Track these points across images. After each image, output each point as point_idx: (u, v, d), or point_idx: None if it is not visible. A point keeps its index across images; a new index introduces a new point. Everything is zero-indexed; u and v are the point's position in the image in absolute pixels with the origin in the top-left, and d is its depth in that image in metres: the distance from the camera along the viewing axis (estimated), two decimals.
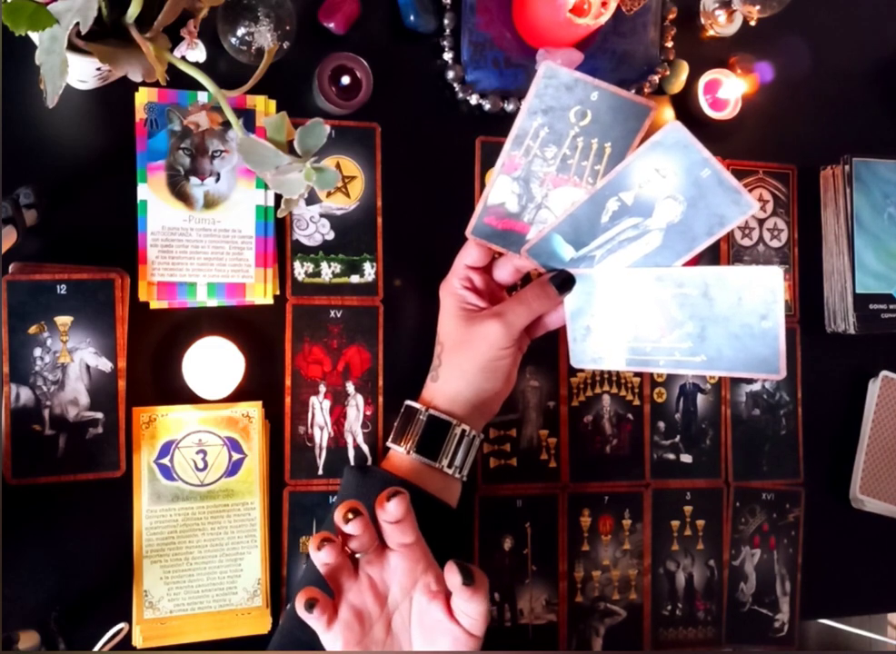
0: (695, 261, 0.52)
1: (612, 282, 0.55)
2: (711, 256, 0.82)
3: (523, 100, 0.52)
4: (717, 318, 0.51)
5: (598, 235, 0.53)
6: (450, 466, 0.62)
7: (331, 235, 0.71)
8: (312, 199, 0.71)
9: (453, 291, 0.63)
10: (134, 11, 0.51)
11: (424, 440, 0.62)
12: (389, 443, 0.64)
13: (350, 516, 0.49)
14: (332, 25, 0.71)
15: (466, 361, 0.61)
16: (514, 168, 0.53)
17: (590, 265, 0.55)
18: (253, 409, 0.68)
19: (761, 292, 0.50)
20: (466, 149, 0.76)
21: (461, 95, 0.75)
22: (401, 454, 0.63)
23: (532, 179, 0.53)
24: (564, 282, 0.59)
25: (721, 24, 0.82)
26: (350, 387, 0.71)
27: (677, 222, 0.50)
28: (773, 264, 0.84)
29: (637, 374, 0.78)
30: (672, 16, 0.79)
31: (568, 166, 0.52)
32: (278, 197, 0.62)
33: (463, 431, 0.62)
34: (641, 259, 0.53)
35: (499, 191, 0.54)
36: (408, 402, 0.65)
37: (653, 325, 0.54)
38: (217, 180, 0.67)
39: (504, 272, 0.64)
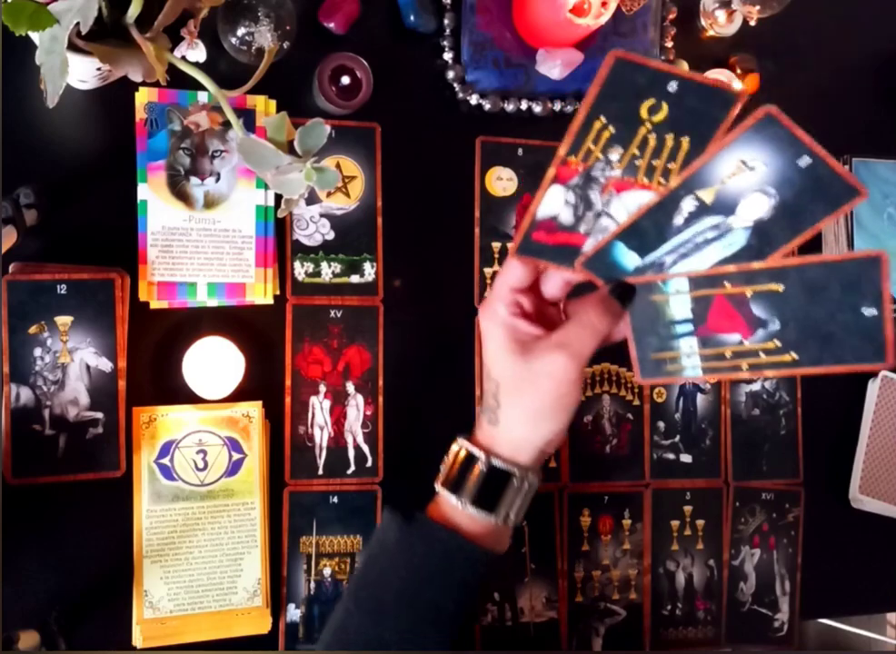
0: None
1: (681, 286, 0.48)
2: None
3: (583, 98, 0.46)
4: (807, 312, 0.46)
5: (669, 239, 0.47)
6: (506, 519, 0.54)
7: (331, 235, 0.71)
8: (312, 199, 0.71)
9: (502, 320, 0.53)
10: (134, 11, 0.51)
11: (483, 492, 0.54)
12: (438, 488, 0.56)
13: None
14: (332, 25, 0.71)
15: (531, 402, 0.52)
16: (571, 176, 0.47)
17: (658, 272, 0.48)
18: (254, 409, 0.68)
19: (861, 279, 0.44)
20: (466, 149, 0.76)
21: (461, 95, 0.75)
22: (453, 504, 0.54)
23: (591, 186, 0.47)
24: (625, 292, 0.51)
25: (721, 24, 0.82)
26: (350, 387, 0.71)
27: (767, 218, 0.44)
28: None
29: None
30: (672, 16, 0.79)
31: (636, 167, 0.45)
32: (278, 197, 0.62)
33: (526, 481, 0.54)
34: (721, 262, 0.47)
35: (551, 203, 0.47)
36: (467, 446, 0.55)
37: (732, 328, 0.48)
38: (217, 180, 0.67)
39: (553, 287, 0.54)
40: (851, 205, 0.44)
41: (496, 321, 0.54)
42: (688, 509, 0.80)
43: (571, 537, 0.76)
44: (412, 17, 0.73)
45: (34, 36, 0.51)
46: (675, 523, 0.79)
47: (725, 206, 0.45)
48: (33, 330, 0.62)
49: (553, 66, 0.73)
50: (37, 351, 0.62)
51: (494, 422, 0.54)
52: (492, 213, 0.76)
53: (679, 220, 0.46)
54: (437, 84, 0.75)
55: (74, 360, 0.63)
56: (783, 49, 0.84)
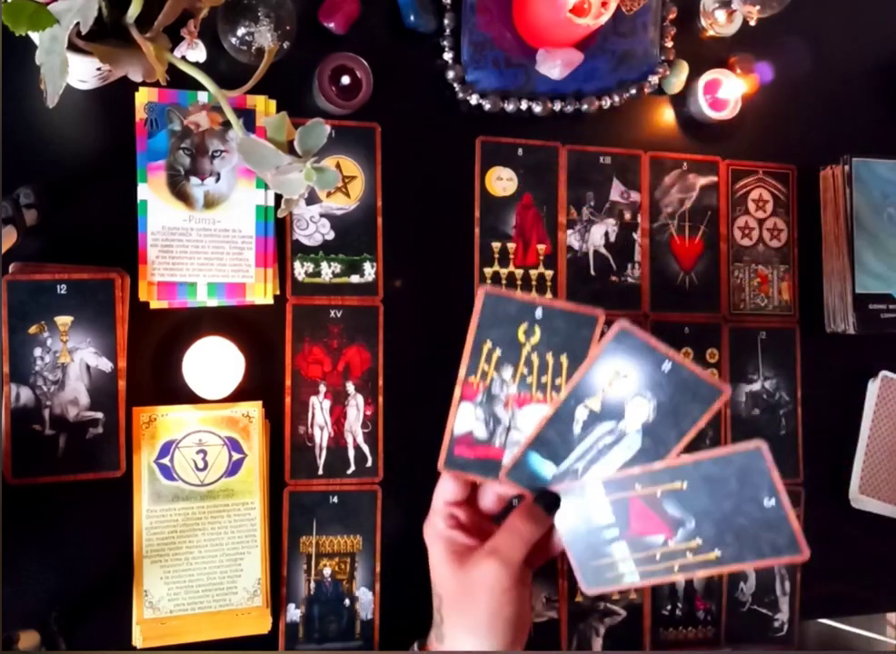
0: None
1: (598, 492, 0.51)
2: (711, 259, 0.82)
3: (469, 327, 0.50)
4: (717, 508, 0.48)
5: (575, 446, 0.50)
6: None
7: (331, 235, 0.71)
8: (312, 199, 0.71)
9: (439, 533, 0.55)
10: (134, 11, 0.51)
11: None
12: None
13: None
14: (332, 25, 0.71)
15: (471, 614, 0.53)
16: (474, 394, 0.51)
17: (574, 479, 0.51)
18: (254, 409, 0.68)
19: (751, 471, 0.46)
20: (466, 149, 0.76)
21: (461, 95, 0.74)
22: None
23: (494, 402, 0.51)
24: (550, 501, 0.53)
25: (721, 24, 0.82)
26: (350, 387, 0.71)
27: (651, 420, 0.48)
28: (773, 264, 0.84)
29: None
30: (672, 16, 0.79)
31: (528, 384, 0.50)
32: (278, 197, 0.62)
33: None
34: (626, 464, 0.49)
35: (463, 420, 0.52)
36: None
37: (654, 530, 0.50)
38: (217, 180, 0.67)
39: (488, 501, 0.57)
40: (719, 403, 0.47)
41: (435, 534, 0.55)
42: None
43: None
44: (412, 17, 0.73)
45: (34, 36, 0.51)
46: None
47: (614, 412, 0.49)
48: (33, 330, 0.62)
49: (553, 66, 0.73)
50: (37, 351, 0.62)
51: (441, 639, 0.55)
52: (492, 213, 0.76)
53: (577, 428, 0.50)
54: (437, 84, 0.75)
55: (74, 360, 0.63)
56: (783, 49, 0.84)
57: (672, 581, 0.52)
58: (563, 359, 0.49)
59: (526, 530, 0.53)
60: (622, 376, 0.48)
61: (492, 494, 0.56)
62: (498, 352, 0.50)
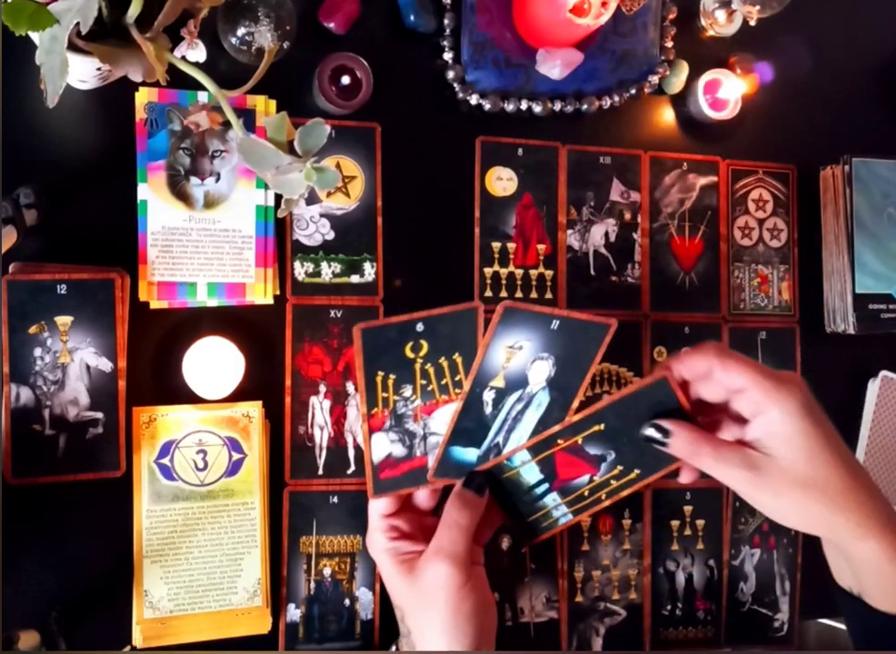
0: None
1: (523, 458, 0.54)
2: (711, 259, 0.82)
3: (356, 366, 0.52)
4: (631, 436, 0.52)
5: (490, 426, 0.53)
6: None
7: (331, 235, 0.71)
8: (312, 199, 0.71)
9: (383, 547, 0.55)
10: (134, 11, 0.51)
11: None
12: None
13: None
14: (332, 25, 0.71)
15: (434, 618, 0.52)
16: (382, 423, 0.53)
17: (498, 453, 0.54)
18: (254, 409, 0.68)
19: (660, 397, 0.51)
20: (466, 149, 0.76)
21: (461, 95, 0.74)
22: None
23: (403, 421, 0.53)
24: (477, 481, 0.54)
25: (721, 24, 0.82)
26: (350, 387, 0.71)
27: (555, 374, 0.52)
28: (773, 264, 0.84)
29: (637, 375, 0.78)
30: (672, 16, 0.79)
31: (430, 392, 0.52)
32: (278, 197, 0.62)
33: None
34: (541, 419, 0.53)
35: (378, 448, 0.53)
36: None
37: (580, 472, 0.54)
38: (217, 180, 0.67)
39: (423, 498, 0.57)
40: (608, 337, 0.51)
41: (378, 549, 0.55)
42: (688, 509, 0.80)
43: (571, 537, 0.76)
44: (412, 17, 0.73)
45: (34, 36, 0.51)
46: (675, 523, 0.79)
47: (518, 382, 0.52)
48: (33, 330, 0.62)
49: (553, 66, 0.73)
50: (37, 351, 0.62)
51: (412, 647, 0.55)
52: (492, 213, 0.76)
53: (488, 409, 0.52)
54: (437, 84, 0.75)
55: (74, 360, 0.63)
56: (783, 49, 0.84)
57: (601, 508, 0.55)
58: (457, 357, 0.51)
59: (463, 519, 0.53)
60: (517, 348, 0.50)
61: (423, 492, 0.57)
62: (393, 377, 0.52)
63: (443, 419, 0.53)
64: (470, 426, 0.53)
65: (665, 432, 0.51)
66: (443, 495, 0.56)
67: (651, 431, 0.51)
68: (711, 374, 0.51)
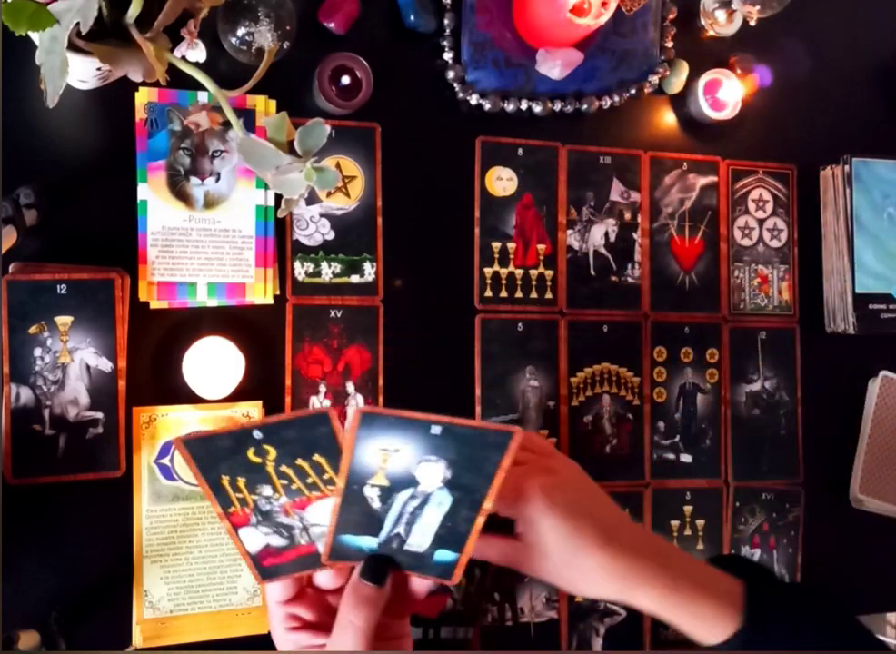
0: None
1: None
2: (711, 259, 0.82)
3: (195, 477, 0.44)
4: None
5: (384, 518, 0.46)
6: None
7: (331, 235, 0.71)
8: (312, 199, 0.71)
9: (283, 640, 0.49)
10: (134, 11, 0.51)
11: None
12: None
13: None
14: (332, 25, 0.71)
15: None
16: (245, 519, 0.46)
17: (402, 543, 0.46)
18: (254, 409, 0.68)
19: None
20: (466, 149, 0.76)
21: (461, 95, 0.74)
22: None
23: (272, 516, 0.46)
24: (377, 570, 0.46)
25: (721, 24, 0.82)
26: (350, 387, 0.71)
27: (451, 476, 0.43)
28: (773, 264, 0.84)
29: (637, 375, 0.78)
30: (672, 16, 0.79)
31: (296, 490, 0.45)
32: (278, 197, 0.62)
33: None
34: (447, 516, 0.45)
35: (252, 541, 0.46)
36: None
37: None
38: (217, 180, 0.67)
39: (325, 580, 0.49)
40: (515, 443, 0.42)
41: (280, 641, 0.49)
42: (688, 509, 0.80)
43: None
44: (412, 17, 0.73)
45: (34, 36, 0.51)
46: (675, 523, 0.79)
47: (404, 482, 0.44)
48: (33, 330, 0.62)
49: (553, 66, 0.73)
50: (37, 351, 0.62)
51: None
52: (492, 213, 0.76)
53: (375, 504, 0.45)
54: (437, 84, 0.75)
55: (74, 360, 0.63)
56: (783, 49, 0.84)
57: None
58: (318, 457, 0.44)
59: (359, 621, 0.45)
60: (392, 451, 0.43)
61: (325, 573, 0.49)
62: (241, 479, 0.45)
63: (320, 512, 0.46)
64: (358, 518, 0.45)
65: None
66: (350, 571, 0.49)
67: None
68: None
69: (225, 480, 0.44)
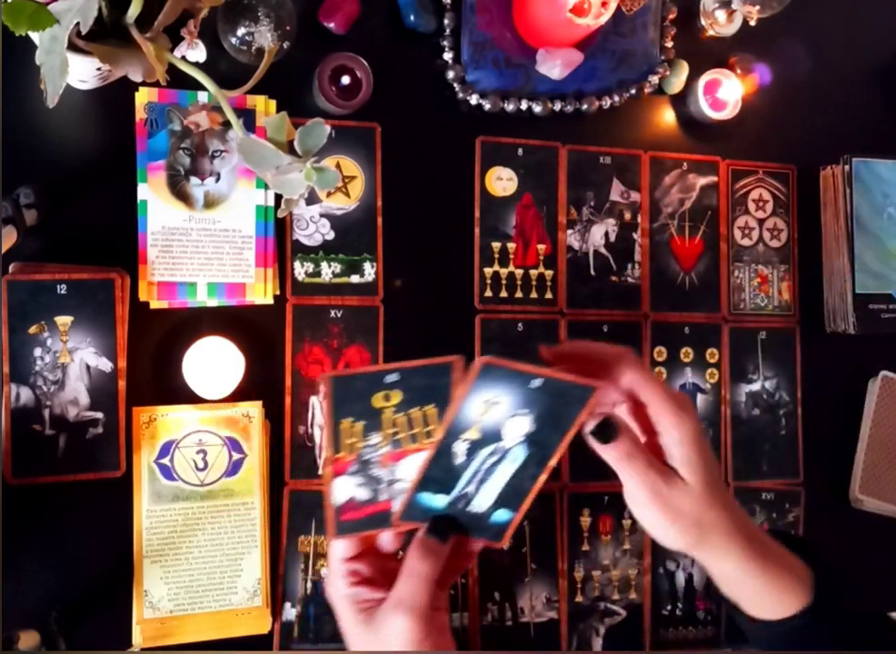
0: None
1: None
2: (711, 259, 0.82)
3: (324, 413, 0.50)
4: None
5: (461, 476, 0.51)
6: None
7: (331, 235, 0.71)
8: (312, 199, 0.71)
9: (342, 594, 0.52)
10: (134, 11, 0.51)
11: None
12: None
13: None
14: (332, 25, 0.71)
15: None
16: (346, 467, 0.50)
17: (467, 503, 0.51)
18: (254, 409, 0.68)
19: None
20: (466, 149, 0.76)
21: (461, 95, 0.75)
22: None
23: (369, 467, 0.51)
24: (441, 528, 0.51)
25: (721, 24, 0.82)
26: None
27: (534, 430, 0.49)
28: (773, 264, 0.84)
29: None
30: (672, 16, 0.79)
31: (399, 441, 0.50)
32: (278, 197, 0.62)
33: None
34: (515, 474, 0.51)
35: (341, 491, 0.51)
36: None
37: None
38: (217, 180, 0.67)
39: (386, 541, 0.53)
40: (594, 399, 0.47)
41: (338, 596, 0.52)
42: None
43: (571, 537, 0.76)
44: (412, 17, 0.73)
45: (34, 36, 0.51)
46: None
47: (493, 435, 0.49)
48: (33, 330, 0.62)
49: (553, 66, 0.73)
50: (37, 351, 0.62)
51: None
52: (492, 213, 0.76)
53: (460, 459, 0.50)
54: (437, 84, 0.75)
55: (74, 360, 0.63)
56: (783, 49, 0.84)
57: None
58: (430, 409, 0.49)
59: (425, 570, 0.50)
60: (493, 404, 0.48)
61: (387, 535, 0.53)
62: (361, 424, 0.50)
63: (410, 466, 0.50)
64: (439, 475, 0.50)
65: (614, 433, 0.49)
66: (407, 538, 0.53)
67: (595, 428, 0.49)
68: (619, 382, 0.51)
69: (347, 422, 0.50)
